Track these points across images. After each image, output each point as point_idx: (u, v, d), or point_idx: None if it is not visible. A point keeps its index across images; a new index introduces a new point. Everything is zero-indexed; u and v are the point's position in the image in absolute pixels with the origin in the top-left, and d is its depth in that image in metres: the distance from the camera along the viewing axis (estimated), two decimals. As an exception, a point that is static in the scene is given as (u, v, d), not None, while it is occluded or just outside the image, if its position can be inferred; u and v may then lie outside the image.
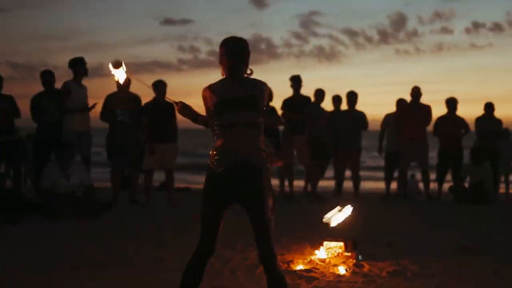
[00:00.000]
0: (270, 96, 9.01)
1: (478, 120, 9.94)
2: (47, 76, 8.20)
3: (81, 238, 5.83)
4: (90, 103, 8.25)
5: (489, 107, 9.97)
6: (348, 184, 10.53)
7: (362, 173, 10.27)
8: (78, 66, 8.11)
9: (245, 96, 3.20)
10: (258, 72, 3.38)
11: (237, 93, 3.21)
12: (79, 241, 5.68)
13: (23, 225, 6.51)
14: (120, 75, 3.47)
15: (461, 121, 9.82)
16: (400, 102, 9.95)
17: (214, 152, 3.21)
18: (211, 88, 3.25)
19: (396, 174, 10.28)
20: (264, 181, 3.17)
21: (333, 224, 4.50)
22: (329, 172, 10.80)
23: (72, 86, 8.05)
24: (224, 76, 3.30)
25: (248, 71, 3.32)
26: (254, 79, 3.32)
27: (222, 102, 3.20)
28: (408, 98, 9.81)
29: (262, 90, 3.27)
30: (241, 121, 3.18)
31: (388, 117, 10.01)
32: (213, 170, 3.20)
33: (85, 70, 8.18)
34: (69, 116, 8.01)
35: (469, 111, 10.14)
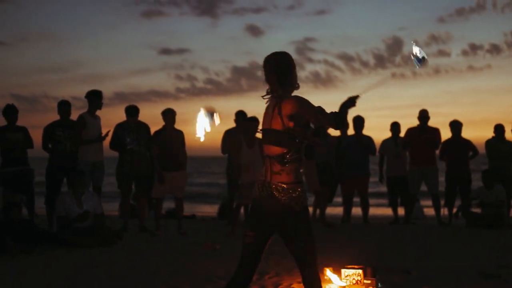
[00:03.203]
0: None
1: (489, 142, 9.80)
2: (65, 106, 8.25)
3: (94, 268, 5.76)
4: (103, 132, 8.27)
5: (499, 129, 9.76)
6: (356, 210, 10.46)
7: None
8: (94, 98, 8.19)
9: (270, 129, 3.12)
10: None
11: (268, 123, 3.15)
12: (93, 271, 5.61)
13: (37, 254, 6.45)
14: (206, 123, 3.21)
15: (468, 144, 9.78)
16: (394, 126, 9.93)
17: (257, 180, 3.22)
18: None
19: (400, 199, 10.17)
20: (290, 214, 3.10)
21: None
22: (338, 198, 10.74)
23: (87, 118, 8.11)
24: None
25: (296, 85, 3.19)
26: (288, 100, 3.11)
27: (262, 131, 3.22)
28: (411, 122, 9.81)
29: (295, 111, 3.07)
30: (270, 154, 3.14)
31: (385, 142, 9.96)
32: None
33: (100, 104, 8.27)
34: (84, 146, 8.05)
35: (468, 133, 10.05)
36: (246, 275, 3.20)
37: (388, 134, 10.00)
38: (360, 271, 5.01)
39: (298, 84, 3.21)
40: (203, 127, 3.23)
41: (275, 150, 3.12)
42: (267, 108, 3.22)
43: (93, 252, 6.61)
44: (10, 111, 8.07)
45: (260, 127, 3.26)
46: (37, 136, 8.27)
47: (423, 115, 9.71)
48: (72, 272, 5.58)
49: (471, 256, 6.37)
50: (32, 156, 8.29)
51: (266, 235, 3.19)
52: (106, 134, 8.15)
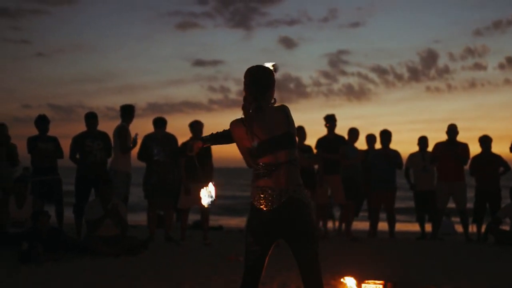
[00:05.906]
0: (304, 135, 9.06)
1: (518, 157, 9.68)
2: (93, 119, 8.49)
3: (119, 277, 5.86)
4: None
5: None
6: (383, 225, 10.38)
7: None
8: (129, 112, 8.60)
9: (283, 135, 3.18)
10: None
11: (274, 132, 3.18)
12: (118, 280, 5.70)
13: (64, 263, 6.59)
14: None
15: (498, 159, 9.64)
16: (422, 140, 9.87)
17: (259, 192, 3.18)
18: (245, 125, 3.19)
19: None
20: (311, 215, 3.19)
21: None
22: (364, 212, 10.69)
23: (127, 128, 8.53)
24: (251, 109, 3.22)
25: (272, 100, 3.30)
26: (277, 108, 3.25)
27: (262, 143, 3.17)
28: (441, 136, 9.73)
29: (289, 117, 3.21)
30: (284, 160, 3.17)
31: (412, 156, 9.90)
32: (259, 210, 3.18)
33: (132, 119, 8.67)
34: (123, 158, 8.40)
35: (505, 148, 9.84)
36: (253, 282, 3.24)
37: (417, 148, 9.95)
38: (381, 286, 5.01)
39: (275, 99, 3.32)
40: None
41: (295, 154, 3.21)
42: (256, 115, 3.19)
43: (119, 261, 6.73)
44: (42, 121, 8.32)
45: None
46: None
47: (452, 130, 9.63)
48: (97, 280, 5.68)
49: (497, 273, 6.26)
50: (61, 166, 8.50)
51: (271, 246, 3.24)
52: (136, 135, 8.41)
